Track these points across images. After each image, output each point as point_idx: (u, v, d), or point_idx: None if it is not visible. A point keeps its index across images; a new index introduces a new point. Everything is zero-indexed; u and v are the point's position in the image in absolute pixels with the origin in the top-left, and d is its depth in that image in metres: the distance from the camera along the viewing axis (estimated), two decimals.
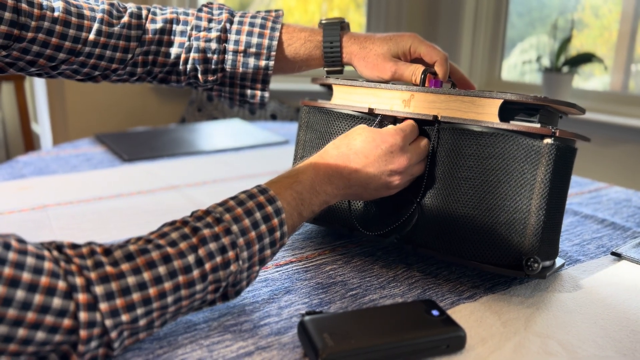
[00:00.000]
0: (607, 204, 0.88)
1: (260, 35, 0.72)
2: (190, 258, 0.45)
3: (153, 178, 0.97)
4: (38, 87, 2.49)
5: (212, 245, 0.46)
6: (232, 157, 1.14)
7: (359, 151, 0.57)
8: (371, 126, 0.62)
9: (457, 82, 0.72)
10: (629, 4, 2.07)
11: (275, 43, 0.72)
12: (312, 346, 0.44)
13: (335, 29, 0.71)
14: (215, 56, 0.72)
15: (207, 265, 0.45)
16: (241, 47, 0.72)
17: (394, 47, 0.69)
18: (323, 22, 0.72)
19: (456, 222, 0.57)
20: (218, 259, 0.46)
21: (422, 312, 0.49)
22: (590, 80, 2.33)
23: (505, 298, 0.57)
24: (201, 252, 0.45)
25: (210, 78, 0.74)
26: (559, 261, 0.62)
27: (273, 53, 0.72)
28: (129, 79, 0.75)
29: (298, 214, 0.53)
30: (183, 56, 0.73)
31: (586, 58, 2.12)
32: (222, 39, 0.72)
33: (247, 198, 0.50)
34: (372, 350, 0.44)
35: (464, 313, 0.53)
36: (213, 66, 0.73)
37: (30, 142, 2.33)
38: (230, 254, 0.47)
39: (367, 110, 0.64)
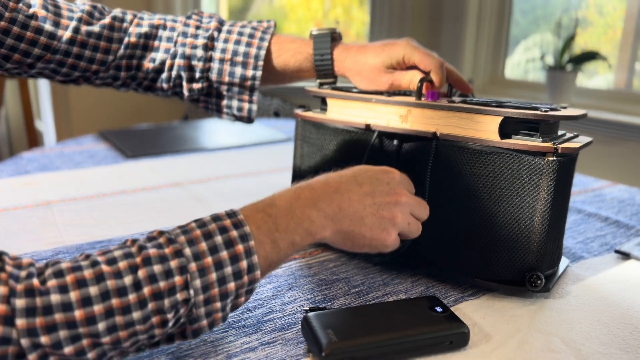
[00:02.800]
0: (611, 202, 0.88)
1: (248, 45, 0.71)
2: (127, 279, 0.38)
3: (156, 175, 0.97)
4: (42, 84, 2.50)
5: (157, 268, 0.39)
6: (236, 155, 1.14)
7: (351, 179, 0.50)
8: (370, 142, 0.60)
9: (454, 85, 0.70)
10: (634, 2, 2.06)
11: (262, 53, 0.70)
12: (316, 342, 0.44)
13: (326, 40, 0.69)
14: (200, 64, 0.71)
15: (147, 290, 0.39)
16: (227, 56, 0.71)
17: (387, 58, 0.66)
18: (314, 33, 0.71)
19: (457, 240, 0.57)
20: (161, 283, 0.39)
21: (426, 308, 0.49)
22: (594, 79, 2.32)
23: (508, 295, 0.57)
24: (141, 273, 0.39)
25: (196, 87, 0.73)
26: (563, 262, 0.61)
27: (260, 63, 0.70)
28: (112, 83, 0.74)
29: (271, 242, 0.44)
30: (168, 62, 0.72)
31: (590, 56, 2.12)
32: (209, 47, 0.71)
33: (211, 220, 0.43)
34: (376, 346, 0.44)
35: (467, 310, 0.53)
36: (198, 74, 0.72)
37: (34, 139, 2.34)
38: (177, 279, 0.40)
39: (364, 126, 0.63)
